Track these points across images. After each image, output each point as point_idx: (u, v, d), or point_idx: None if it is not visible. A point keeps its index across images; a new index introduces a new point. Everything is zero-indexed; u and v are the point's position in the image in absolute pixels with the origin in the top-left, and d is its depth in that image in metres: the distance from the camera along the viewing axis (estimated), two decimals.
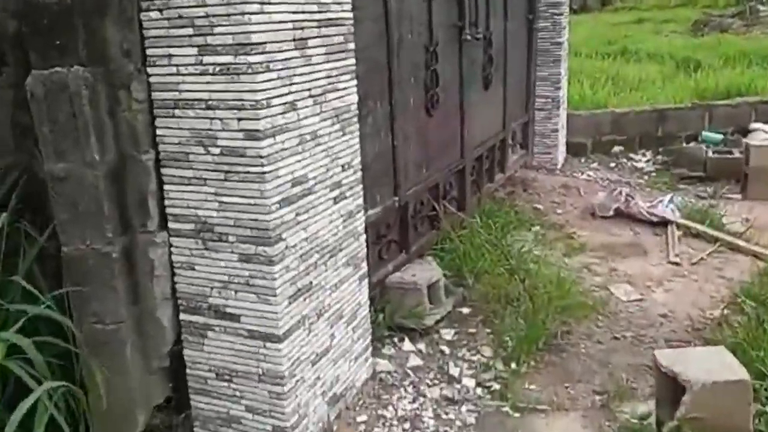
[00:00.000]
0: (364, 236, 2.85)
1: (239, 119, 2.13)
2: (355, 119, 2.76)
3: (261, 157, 2.13)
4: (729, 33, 17.70)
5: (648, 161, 7.04)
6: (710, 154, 6.44)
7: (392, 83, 3.66)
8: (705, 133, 7.29)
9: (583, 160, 7.17)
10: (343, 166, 2.65)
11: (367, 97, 3.43)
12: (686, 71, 10.58)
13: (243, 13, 2.05)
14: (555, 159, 6.63)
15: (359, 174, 2.80)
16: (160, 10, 2.16)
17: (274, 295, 2.25)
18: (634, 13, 28.33)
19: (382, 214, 3.66)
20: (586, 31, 20.45)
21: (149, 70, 2.22)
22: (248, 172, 2.16)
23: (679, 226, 4.97)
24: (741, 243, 4.60)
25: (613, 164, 7.06)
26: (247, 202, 2.19)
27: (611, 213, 5.23)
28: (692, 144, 7.26)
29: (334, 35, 2.54)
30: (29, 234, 2.24)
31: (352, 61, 2.72)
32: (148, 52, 2.21)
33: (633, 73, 10.87)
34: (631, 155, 7.27)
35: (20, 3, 2.08)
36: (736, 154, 6.37)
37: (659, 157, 6.99)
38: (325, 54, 2.48)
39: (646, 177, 6.64)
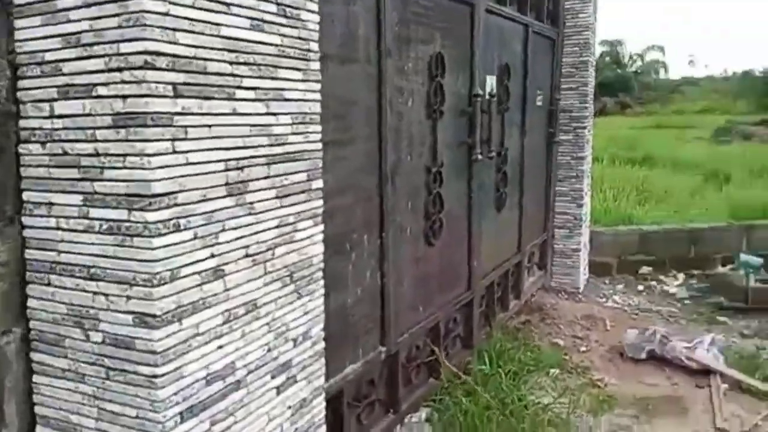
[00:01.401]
0: (323, 428, 2.12)
1: (128, 297, 1.48)
2: (319, 274, 2.11)
3: (154, 352, 1.46)
4: (753, 141, 17.20)
5: (680, 286, 6.24)
6: (752, 283, 5.64)
7: (384, 212, 3.03)
8: (743, 256, 6.49)
9: (607, 281, 6.40)
10: (295, 341, 1.96)
11: (351, 232, 2.80)
12: (715, 183, 9.92)
13: (142, 154, 1.44)
14: (576, 281, 5.87)
15: (320, 345, 2.12)
16: (43, 143, 1.57)
17: None
18: (654, 118, 28.18)
19: (364, 370, 2.93)
20: (607, 135, 20.13)
21: (24, 220, 1.61)
22: (136, 372, 1.48)
23: (723, 376, 4.13)
24: None
25: (641, 287, 6.27)
26: (134, 414, 1.50)
27: (644, 356, 4.42)
28: (728, 268, 6.48)
29: (293, 173, 1.93)
30: None
31: (318, 202, 2.09)
32: (24, 196, 1.61)
33: (659, 182, 10.25)
34: (661, 277, 6.49)
35: None
36: None
37: (693, 282, 6.20)
38: (277, 198, 1.86)
39: (678, 305, 5.82)
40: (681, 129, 22.95)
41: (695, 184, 10.19)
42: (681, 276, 6.48)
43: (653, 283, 6.36)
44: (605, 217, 7.98)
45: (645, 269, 6.58)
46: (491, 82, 4.20)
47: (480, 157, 3.89)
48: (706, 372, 4.21)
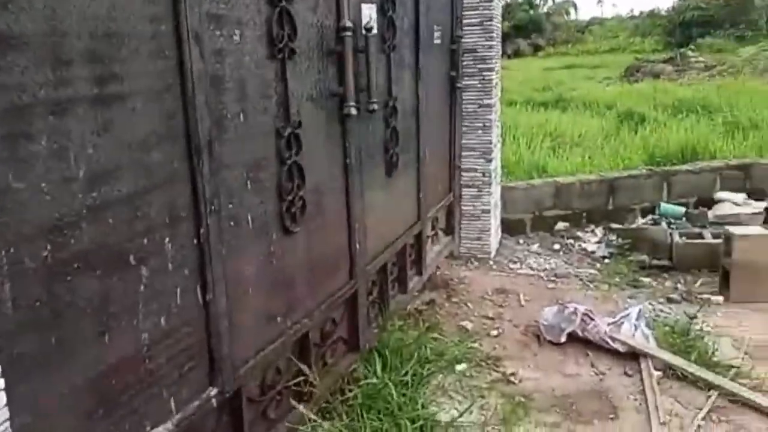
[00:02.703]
0: None
1: None
2: None
3: None
4: (661, 78, 17.04)
5: (599, 242, 5.60)
6: (677, 238, 5.04)
7: (200, 199, 2.04)
8: (663, 206, 5.95)
9: (521, 241, 5.69)
10: None
11: (138, 236, 1.81)
12: (629, 125, 9.39)
13: None
14: (488, 246, 5.11)
15: None
16: None
17: None
18: (566, 59, 28.00)
19: (181, 429, 1.99)
20: (521, 77, 19.68)
21: None
22: None
23: (654, 359, 3.47)
24: (749, 396, 3.11)
25: (557, 246, 5.60)
26: None
27: (563, 339, 3.71)
28: (649, 219, 5.90)
29: None
30: None
31: None
32: None
33: (572, 127, 9.63)
34: (578, 233, 5.84)
35: None
36: (708, 238, 5.00)
37: (613, 237, 5.56)
38: None
39: (598, 265, 5.18)
40: (592, 69, 22.77)
41: (610, 126, 9.64)
42: (599, 231, 5.85)
43: (570, 240, 5.69)
44: (518, 168, 7.26)
45: (561, 225, 5.91)
46: (369, 12, 3.20)
47: (355, 111, 2.91)
48: (635, 355, 3.54)
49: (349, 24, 2.85)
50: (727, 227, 4.57)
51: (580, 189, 5.95)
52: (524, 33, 33.21)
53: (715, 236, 4.90)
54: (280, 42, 2.44)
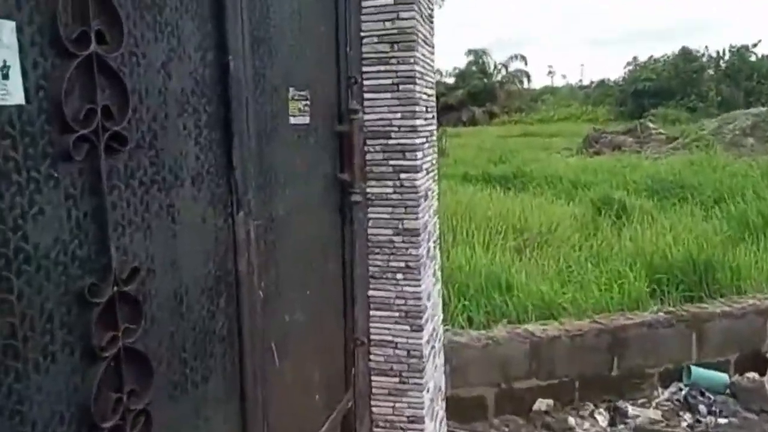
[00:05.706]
0: None
1: None
2: None
3: None
4: (623, 150, 15.44)
5: None
6: None
7: None
8: (695, 371, 3.70)
9: None
10: None
11: None
12: (609, 215, 7.29)
13: None
14: None
15: None
16: None
17: None
18: (520, 127, 26.57)
19: None
20: (476, 144, 17.96)
21: None
22: None
23: None
24: None
25: None
26: None
27: None
28: (675, 392, 3.63)
29: None
30: None
31: None
32: None
33: (538, 214, 7.50)
34: (570, 420, 3.51)
35: None
36: None
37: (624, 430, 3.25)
38: None
39: None
40: (548, 138, 21.28)
41: (583, 215, 7.53)
42: (602, 414, 3.54)
43: None
44: (473, 282, 5.00)
45: (542, 403, 3.58)
46: None
47: None
48: None
49: None
50: None
51: (570, 344, 3.66)
52: (479, 101, 32.12)
53: None
54: None
